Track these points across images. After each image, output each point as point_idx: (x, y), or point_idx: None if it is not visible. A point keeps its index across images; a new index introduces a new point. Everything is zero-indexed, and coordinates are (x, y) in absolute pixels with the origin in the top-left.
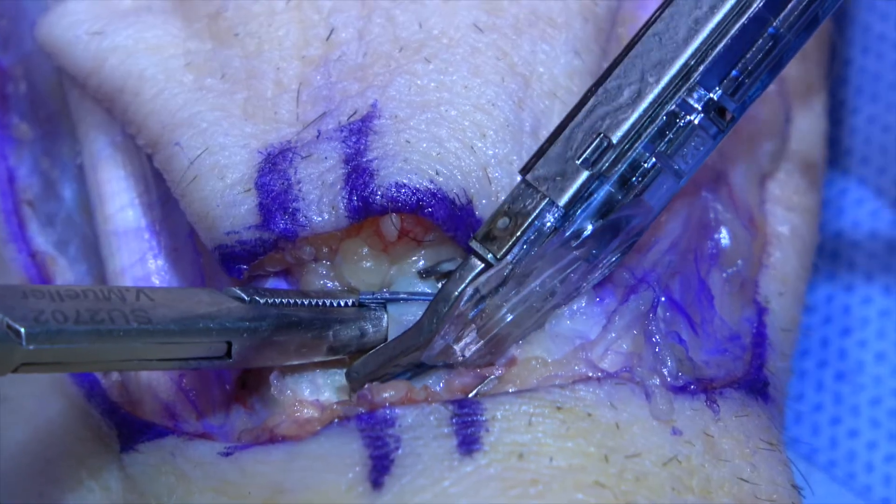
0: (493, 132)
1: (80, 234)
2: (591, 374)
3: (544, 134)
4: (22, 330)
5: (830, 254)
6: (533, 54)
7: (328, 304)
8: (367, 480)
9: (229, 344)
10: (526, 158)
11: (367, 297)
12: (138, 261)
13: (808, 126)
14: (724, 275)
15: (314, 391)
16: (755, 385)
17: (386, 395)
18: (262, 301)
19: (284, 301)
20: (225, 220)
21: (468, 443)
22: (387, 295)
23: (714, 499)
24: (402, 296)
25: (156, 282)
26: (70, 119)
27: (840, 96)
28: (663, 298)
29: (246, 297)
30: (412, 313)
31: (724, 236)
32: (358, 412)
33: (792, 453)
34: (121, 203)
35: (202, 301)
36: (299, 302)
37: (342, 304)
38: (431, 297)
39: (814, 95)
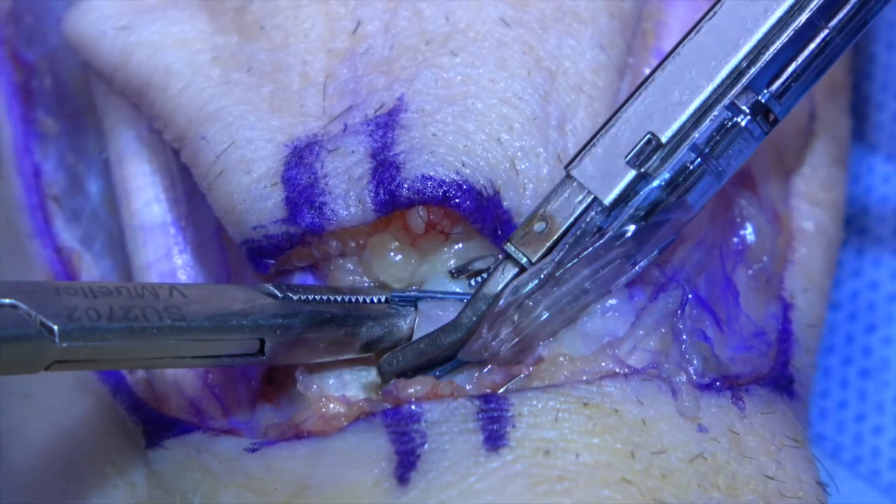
0: (520, 125)
1: (105, 229)
2: (617, 371)
3: (570, 128)
4: (55, 327)
5: (856, 250)
6: (559, 49)
7: (359, 300)
8: (393, 476)
9: (262, 341)
10: (552, 152)
11: (399, 294)
12: (164, 256)
13: (832, 122)
14: (750, 271)
15: (340, 387)
16: (780, 382)
17: (412, 390)
18: (294, 298)
19: (316, 297)
20: (251, 215)
21: (494, 438)
22: (418, 293)
23: (740, 496)
24: (433, 294)
25: (182, 277)
26: (96, 114)
27: (864, 92)
28: (690, 296)
29: (279, 294)
30: (443, 310)
31: (749, 232)
32: (384, 408)
33: (816, 450)
34: (146, 198)
35: (235, 298)
36: (331, 298)
37: (373, 300)
38: (463, 296)
39: (838, 91)
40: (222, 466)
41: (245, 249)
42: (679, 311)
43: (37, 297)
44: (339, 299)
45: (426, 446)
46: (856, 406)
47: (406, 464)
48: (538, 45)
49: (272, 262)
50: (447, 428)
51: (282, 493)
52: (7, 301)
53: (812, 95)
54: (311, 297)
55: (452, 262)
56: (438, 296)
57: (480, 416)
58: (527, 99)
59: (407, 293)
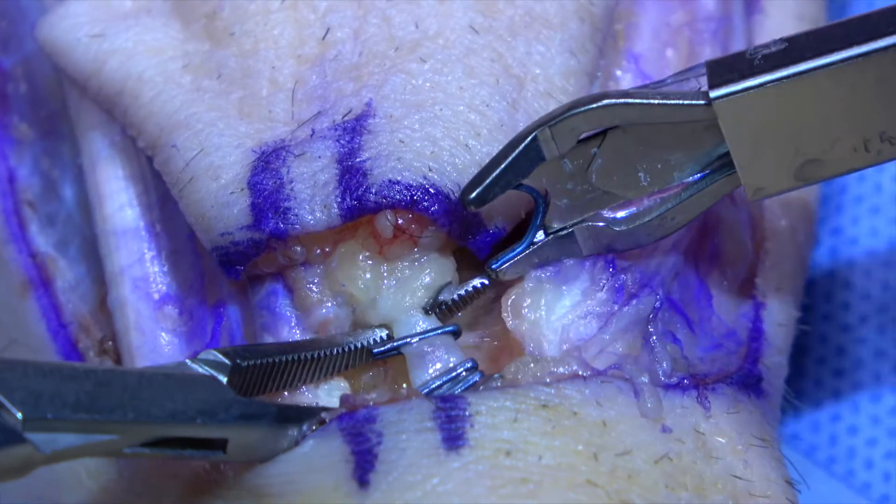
0: (487, 132)
1: (80, 234)
2: (580, 373)
3: None
4: (19, 415)
5: (828, 251)
6: (528, 56)
7: (317, 354)
8: (353, 478)
9: (225, 440)
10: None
11: (380, 351)
12: (137, 261)
13: None
14: (724, 275)
15: (311, 398)
16: (748, 380)
17: (369, 396)
18: (244, 364)
19: (265, 361)
20: (219, 221)
21: (453, 438)
22: (395, 342)
23: (708, 496)
24: (412, 336)
25: (157, 282)
26: (70, 119)
27: None
28: (662, 303)
29: (227, 361)
30: (430, 346)
31: (724, 238)
32: (340, 412)
33: (791, 450)
34: (119, 202)
35: (201, 393)
36: (289, 358)
37: (332, 352)
38: (443, 330)
39: None
40: (191, 474)
41: (215, 256)
42: (650, 316)
43: (3, 377)
44: (291, 357)
45: (382, 445)
46: (830, 406)
47: (364, 464)
48: (507, 52)
49: (241, 268)
50: (404, 427)
51: (245, 501)
52: None
53: None
54: (260, 362)
55: (420, 289)
56: (418, 337)
57: (437, 414)
58: (494, 106)
59: (387, 347)
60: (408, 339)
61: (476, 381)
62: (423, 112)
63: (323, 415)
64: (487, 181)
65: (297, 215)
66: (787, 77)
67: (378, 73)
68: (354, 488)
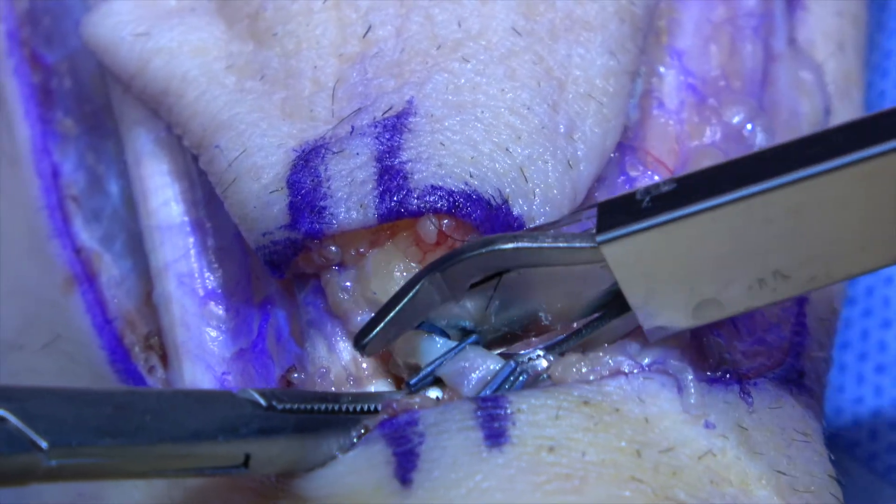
0: (528, 135)
1: (126, 229)
2: (623, 370)
3: (578, 135)
4: (44, 444)
5: None
6: (569, 58)
7: (357, 408)
8: (395, 478)
9: (247, 455)
10: (561, 159)
11: (416, 381)
12: (182, 256)
13: (847, 117)
14: None
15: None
16: (791, 375)
17: (413, 400)
18: (279, 407)
19: (303, 406)
20: (261, 222)
21: (495, 435)
22: (428, 369)
23: (753, 492)
24: (440, 360)
25: (203, 278)
26: (114, 114)
27: (880, 87)
28: None
29: (263, 402)
30: (465, 360)
31: None
32: (382, 419)
33: (832, 446)
34: (164, 198)
35: (220, 409)
36: (320, 407)
37: (370, 407)
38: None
39: (852, 87)
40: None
41: (259, 256)
42: None
43: (26, 407)
44: (328, 407)
45: (424, 444)
46: (871, 402)
47: (406, 464)
48: (548, 55)
49: (285, 268)
50: (445, 427)
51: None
52: None
53: (826, 91)
54: (297, 407)
55: None
56: (448, 357)
57: (479, 413)
58: (535, 109)
59: (421, 375)
60: (439, 362)
61: (526, 380)
62: (464, 114)
63: (365, 422)
64: (378, 328)
65: (332, 214)
66: (673, 220)
67: (420, 70)
68: (397, 487)
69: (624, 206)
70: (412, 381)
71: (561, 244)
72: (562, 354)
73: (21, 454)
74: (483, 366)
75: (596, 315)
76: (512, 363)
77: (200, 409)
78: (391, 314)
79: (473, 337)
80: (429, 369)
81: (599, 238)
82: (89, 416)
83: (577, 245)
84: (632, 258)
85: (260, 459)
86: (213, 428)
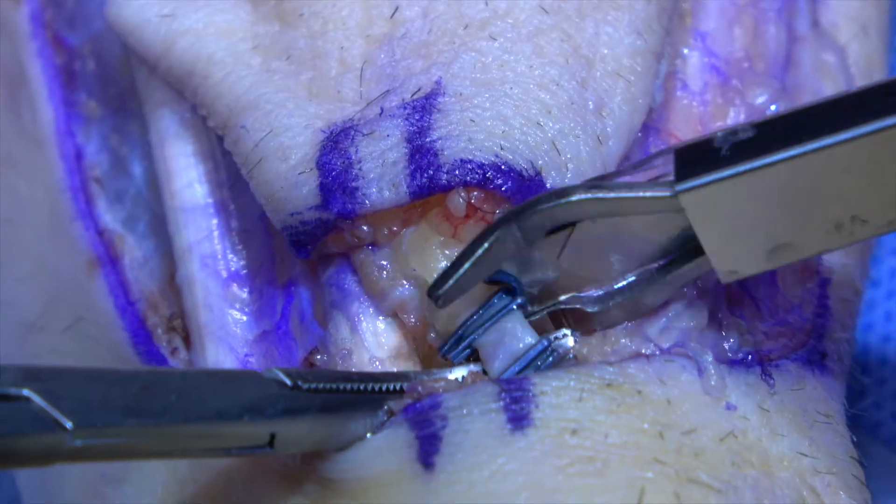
0: (558, 110)
1: (149, 211)
2: (644, 351)
3: (607, 112)
4: (69, 424)
5: None
6: (596, 36)
7: (382, 388)
8: (417, 461)
9: (272, 434)
10: (591, 133)
11: (450, 350)
12: (205, 238)
13: None
14: None
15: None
16: (813, 356)
17: (435, 385)
18: (304, 387)
19: (328, 386)
20: (289, 202)
21: (518, 418)
22: (469, 342)
23: (775, 473)
24: (478, 331)
25: (226, 259)
26: (139, 96)
27: None
28: None
29: (288, 382)
30: (500, 332)
31: None
32: (406, 403)
33: (854, 426)
34: (188, 179)
35: (246, 389)
36: (345, 387)
37: (393, 387)
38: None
39: (875, 69)
40: (248, 459)
41: (286, 236)
42: (715, 292)
43: (51, 387)
44: (353, 387)
45: (447, 429)
46: (893, 383)
47: (428, 448)
48: (576, 33)
49: (311, 248)
50: (468, 409)
51: (313, 485)
52: (23, 392)
53: (849, 73)
54: (322, 386)
55: None
56: (484, 328)
57: (502, 395)
58: (564, 85)
59: (461, 347)
60: (477, 333)
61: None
62: (493, 91)
63: (390, 404)
64: (454, 278)
65: (364, 194)
66: (755, 169)
67: (447, 50)
68: (419, 470)
69: (702, 152)
70: (444, 348)
71: (639, 193)
72: (612, 307)
73: (46, 434)
74: (518, 341)
75: (667, 259)
76: (545, 341)
77: (226, 389)
78: (467, 264)
79: (518, 300)
80: (467, 341)
81: (679, 187)
82: (114, 397)
83: (656, 194)
84: (710, 206)
85: (285, 439)
86: (238, 408)
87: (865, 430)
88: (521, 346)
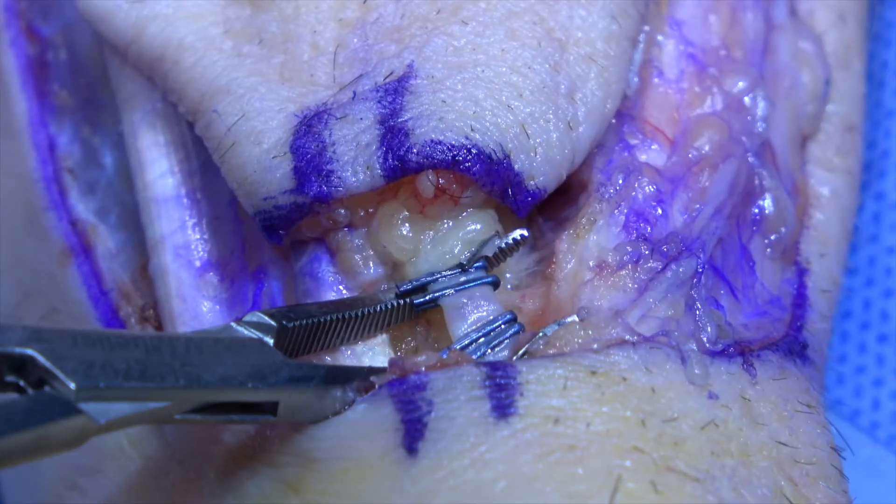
0: (529, 93)
1: (120, 201)
2: (627, 338)
3: (580, 97)
4: (73, 385)
5: (873, 215)
6: (570, 19)
7: (371, 310)
8: (401, 446)
9: (276, 402)
10: (563, 118)
11: (420, 301)
12: (178, 228)
13: (847, 88)
14: (767, 241)
15: (354, 360)
16: (793, 347)
17: (419, 359)
18: (289, 325)
19: (311, 321)
20: (262, 186)
21: (503, 407)
22: (433, 294)
23: (753, 463)
24: (450, 292)
25: (198, 250)
26: (111, 86)
27: (882, 57)
28: (705, 266)
29: (274, 323)
30: (468, 297)
31: (767, 204)
32: (390, 378)
33: (834, 415)
34: (160, 170)
35: (250, 356)
36: (334, 317)
37: (390, 304)
38: (482, 281)
39: (853, 57)
40: (234, 440)
41: (258, 221)
42: (693, 280)
43: (55, 348)
44: (335, 317)
45: (433, 414)
46: (874, 371)
47: (413, 433)
48: (549, 15)
49: (284, 233)
50: (454, 395)
51: (291, 466)
52: (27, 352)
53: (826, 61)
54: (305, 322)
55: (458, 245)
56: (454, 289)
57: (487, 383)
58: (536, 68)
59: (427, 298)
60: (446, 291)
61: (515, 334)
62: (465, 73)
63: (372, 379)
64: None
65: (340, 178)
66: None
67: (420, 35)
68: (403, 456)
69: None
70: (416, 301)
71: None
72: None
73: (72, 418)
74: (483, 310)
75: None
76: (510, 313)
77: (230, 355)
78: None
79: (490, 278)
80: (436, 295)
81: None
82: (118, 360)
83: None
84: None
85: (289, 407)
86: (242, 375)
87: (845, 418)
88: (485, 314)
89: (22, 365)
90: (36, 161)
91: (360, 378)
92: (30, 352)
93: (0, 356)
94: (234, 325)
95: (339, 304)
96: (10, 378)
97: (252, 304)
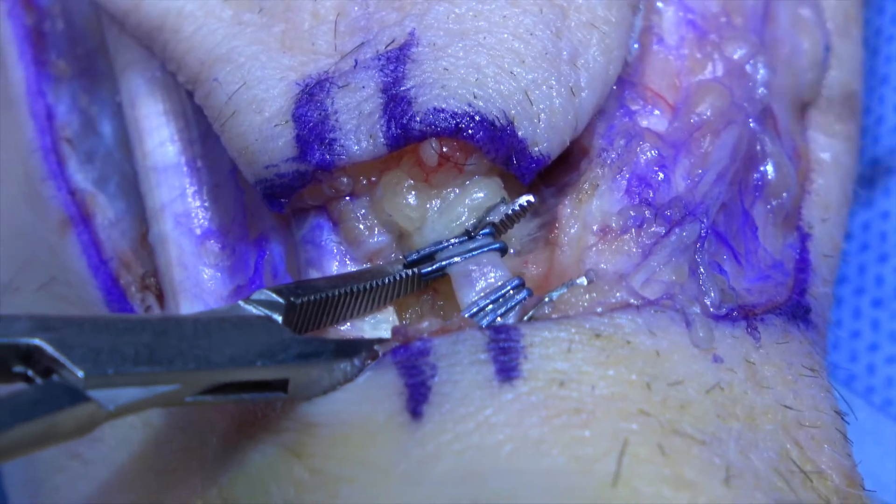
0: (532, 59)
1: (119, 170)
2: (631, 301)
3: (582, 62)
4: (81, 373)
5: (867, 180)
6: None
7: (380, 282)
8: (406, 410)
9: (286, 379)
10: (565, 84)
11: (427, 271)
12: (178, 196)
13: (846, 54)
14: (769, 206)
15: (357, 330)
16: (797, 311)
17: (422, 326)
18: (297, 302)
19: (320, 296)
20: (263, 154)
21: (506, 370)
22: (441, 263)
23: (759, 426)
24: (458, 259)
25: (199, 217)
26: (109, 55)
27: (876, 24)
28: (707, 230)
29: (282, 300)
30: (476, 265)
31: (769, 169)
32: (393, 346)
33: (831, 380)
34: (160, 138)
35: (259, 335)
36: (341, 291)
37: (399, 275)
38: (489, 248)
39: (852, 24)
40: (238, 407)
41: (259, 189)
42: (697, 245)
43: (62, 336)
44: (344, 290)
45: (437, 378)
46: (869, 336)
47: (417, 396)
48: None
49: (286, 201)
50: (457, 359)
51: (294, 432)
52: (34, 342)
53: (826, 28)
54: (314, 298)
55: (465, 212)
56: (462, 256)
57: (491, 346)
58: (538, 34)
59: (434, 267)
60: (453, 259)
61: (524, 300)
62: (467, 40)
63: (376, 347)
64: None
65: (342, 146)
66: None
67: (421, 2)
68: (407, 419)
69: None
70: (424, 271)
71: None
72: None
73: (80, 406)
74: (490, 276)
75: None
76: (518, 279)
77: (238, 334)
78: None
79: (498, 244)
80: (444, 263)
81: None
82: (125, 344)
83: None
84: None
85: (299, 384)
86: (251, 353)
87: (841, 383)
88: (492, 280)
89: (29, 355)
90: (34, 131)
91: (368, 350)
92: (36, 341)
93: (7, 347)
94: (241, 303)
95: (346, 278)
96: (17, 368)
97: (254, 271)
